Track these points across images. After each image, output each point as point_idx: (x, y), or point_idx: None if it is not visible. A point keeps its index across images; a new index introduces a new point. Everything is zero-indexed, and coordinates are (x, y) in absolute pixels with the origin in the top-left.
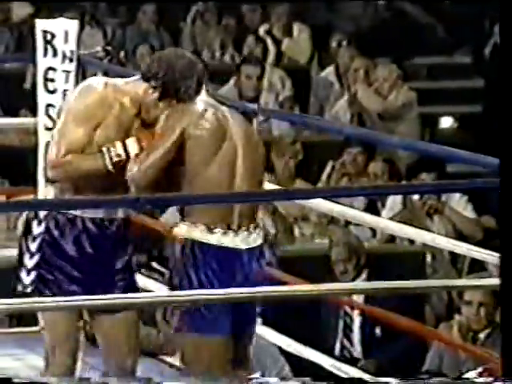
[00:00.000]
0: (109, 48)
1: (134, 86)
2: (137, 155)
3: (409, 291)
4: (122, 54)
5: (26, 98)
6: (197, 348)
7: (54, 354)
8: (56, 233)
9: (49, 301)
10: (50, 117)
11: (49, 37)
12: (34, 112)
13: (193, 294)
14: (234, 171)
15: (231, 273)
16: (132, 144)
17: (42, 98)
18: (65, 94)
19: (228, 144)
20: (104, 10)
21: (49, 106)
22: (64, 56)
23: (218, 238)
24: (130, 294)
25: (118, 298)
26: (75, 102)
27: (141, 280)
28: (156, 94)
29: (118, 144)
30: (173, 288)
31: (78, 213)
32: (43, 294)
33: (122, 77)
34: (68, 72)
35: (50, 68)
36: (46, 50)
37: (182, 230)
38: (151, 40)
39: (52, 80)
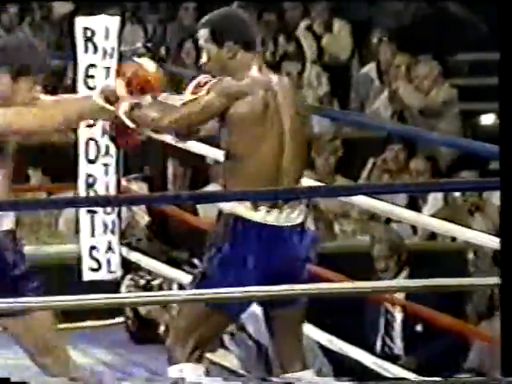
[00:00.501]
0: (149, 44)
1: None
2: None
3: (409, 290)
4: (162, 50)
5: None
6: (200, 317)
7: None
8: None
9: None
10: None
11: (89, 34)
12: None
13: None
14: (282, 148)
15: (272, 250)
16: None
17: (83, 93)
18: None
19: (275, 123)
20: (145, 6)
21: None
22: (105, 53)
23: (262, 216)
24: (154, 293)
25: (125, 298)
26: None
27: (183, 276)
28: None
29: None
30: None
31: None
32: None
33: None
34: (108, 68)
35: (91, 65)
36: (86, 46)
37: (227, 206)
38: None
39: (92, 76)
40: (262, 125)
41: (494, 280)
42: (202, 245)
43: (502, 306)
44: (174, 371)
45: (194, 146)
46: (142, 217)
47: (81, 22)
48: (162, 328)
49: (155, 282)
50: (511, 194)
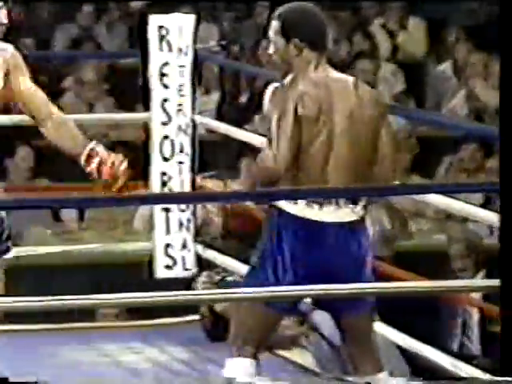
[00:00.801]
0: (224, 42)
1: None
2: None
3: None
4: (236, 48)
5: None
6: (253, 317)
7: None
8: None
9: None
10: (165, 111)
11: (164, 32)
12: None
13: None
14: (329, 152)
15: (311, 246)
16: None
17: (158, 92)
18: (180, 89)
19: (329, 123)
20: (221, 5)
21: (164, 100)
22: (179, 51)
23: (299, 209)
24: (149, 294)
25: (127, 298)
26: None
27: None
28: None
29: None
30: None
31: None
32: None
33: (237, 70)
34: (183, 67)
35: (165, 63)
36: (161, 45)
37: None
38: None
39: (167, 75)
40: (312, 125)
41: (495, 282)
42: None
43: (501, 306)
44: (227, 368)
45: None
46: (217, 215)
47: (155, 20)
48: None
49: (230, 279)
50: (511, 195)
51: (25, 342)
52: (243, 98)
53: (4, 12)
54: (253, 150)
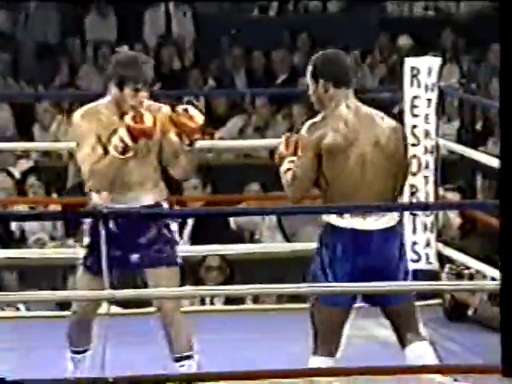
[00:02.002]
0: (463, 80)
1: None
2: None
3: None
4: (473, 85)
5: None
6: (321, 316)
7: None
8: None
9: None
10: (414, 135)
11: (415, 72)
12: None
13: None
14: (361, 180)
15: (360, 253)
16: (122, 131)
17: (409, 120)
18: (427, 118)
19: (355, 152)
20: (462, 48)
21: (414, 126)
22: (426, 87)
23: (348, 222)
24: (156, 289)
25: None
26: None
27: (492, 271)
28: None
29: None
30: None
31: None
32: None
33: (474, 103)
34: (429, 100)
35: (415, 97)
36: (412, 82)
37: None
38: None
39: (417, 106)
40: (339, 158)
41: (495, 283)
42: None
43: (502, 306)
44: (310, 365)
45: (498, 163)
46: (455, 219)
47: (410, 62)
48: (470, 310)
49: (467, 271)
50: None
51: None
52: (478, 126)
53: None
54: (484, 168)
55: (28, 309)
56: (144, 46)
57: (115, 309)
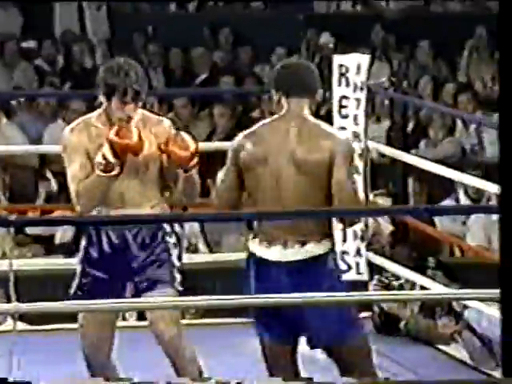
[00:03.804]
0: (393, 79)
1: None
2: None
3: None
4: (404, 84)
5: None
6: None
7: None
8: None
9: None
10: None
11: (344, 70)
12: None
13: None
14: (277, 196)
15: (264, 283)
16: (105, 147)
17: (337, 121)
18: (355, 119)
19: (271, 167)
20: (392, 46)
21: (342, 128)
22: (355, 86)
23: (252, 247)
24: (138, 299)
25: (125, 303)
26: None
27: (425, 280)
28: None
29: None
30: None
31: None
32: None
33: (405, 103)
34: (358, 100)
35: (344, 96)
36: (340, 80)
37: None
38: (430, 72)
39: (345, 106)
40: (257, 169)
41: (495, 292)
42: (437, 253)
43: (502, 307)
44: None
45: (430, 166)
46: (387, 227)
47: (337, 59)
48: (402, 322)
49: (396, 283)
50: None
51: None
52: (410, 127)
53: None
54: (417, 171)
55: None
56: (53, 42)
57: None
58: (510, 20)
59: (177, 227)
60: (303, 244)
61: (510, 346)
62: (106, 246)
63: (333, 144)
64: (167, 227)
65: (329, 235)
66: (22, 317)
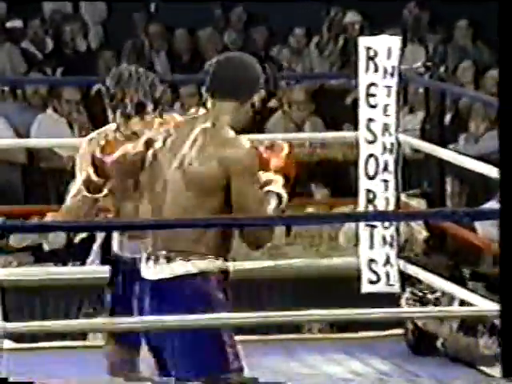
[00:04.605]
0: (429, 64)
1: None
2: None
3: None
4: (441, 69)
5: (348, 113)
6: None
7: None
8: None
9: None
10: (370, 131)
11: (372, 53)
12: (355, 126)
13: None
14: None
15: (133, 300)
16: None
17: (364, 112)
18: (386, 109)
19: (160, 175)
20: (426, 26)
21: (370, 120)
22: (385, 72)
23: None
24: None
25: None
26: None
27: (464, 293)
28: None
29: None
30: None
31: None
32: None
33: (442, 91)
34: (389, 87)
35: (372, 83)
36: (368, 66)
37: None
38: (471, 56)
39: (373, 95)
40: (149, 176)
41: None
42: (478, 262)
43: (502, 306)
44: None
45: (471, 163)
46: (420, 232)
47: (364, 41)
48: (439, 341)
49: (431, 296)
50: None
51: None
52: (447, 118)
53: None
54: (455, 169)
55: None
56: (42, 23)
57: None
58: (510, 20)
59: None
60: (169, 260)
61: (510, 345)
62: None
63: (231, 154)
64: None
65: (220, 253)
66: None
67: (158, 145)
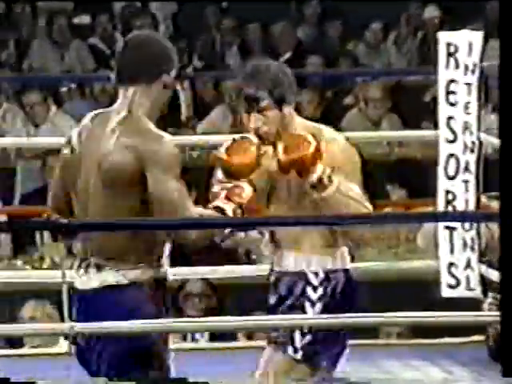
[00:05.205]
0: None
1: None
2: None
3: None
4: None
5: (427, 111)
6: None
7: None
8: None
9: None
10: (451, 129)
11: (452, 49)
12: (435, 124)
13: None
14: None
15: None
16: None
17: (443, 110)
18: (466, 107)
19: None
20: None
21: (450, 118)
22: (466, 68)
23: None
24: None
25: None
26: None
27: None
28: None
29: None
30: None
31: None
32: None
33: None
34: (470, 84)
35: (452, 80)
36: (448, 62)
37: None
38: None
39: (453, 92)
40: (72, 167)
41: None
42: None
43: (502, 307)
44: None
45: None
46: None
47: (444, 37)
48: None
49: None
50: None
51: None
52: None
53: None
54: None
55: None
56: (110, 17)
57: None
58: (511, 20)
59: None
60: (99, 269)
61: (510, 346)
62: None
63: (145, 144)
64: None
65: (151, 260)
66: None
67: (73, 140)
